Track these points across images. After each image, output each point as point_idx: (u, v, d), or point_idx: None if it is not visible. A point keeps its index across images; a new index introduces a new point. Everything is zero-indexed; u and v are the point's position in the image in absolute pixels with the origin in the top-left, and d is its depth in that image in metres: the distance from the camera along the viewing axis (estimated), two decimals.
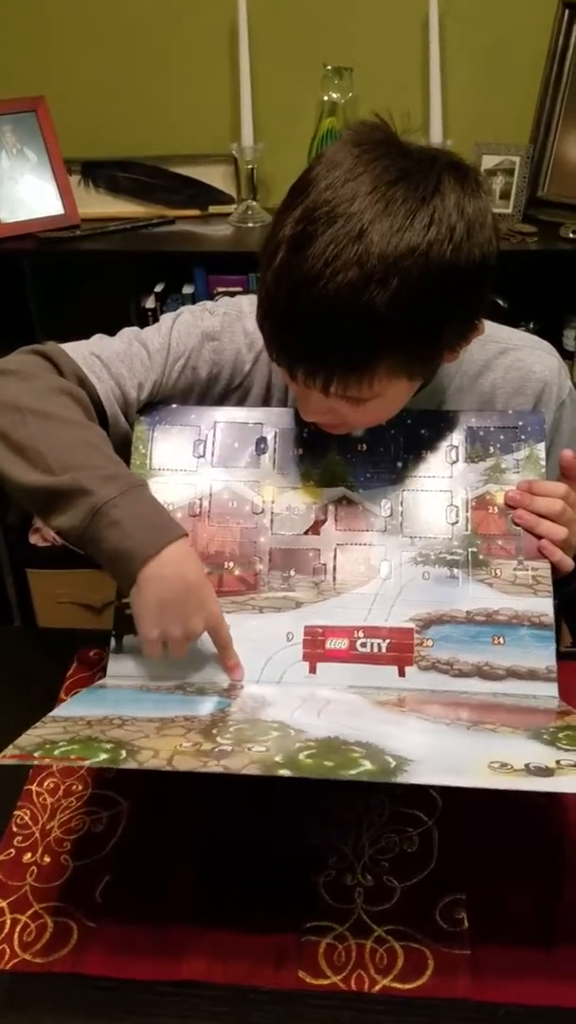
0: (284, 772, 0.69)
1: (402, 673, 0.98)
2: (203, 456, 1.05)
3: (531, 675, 0.97)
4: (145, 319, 2.22)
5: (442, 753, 0.77)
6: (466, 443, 1.04)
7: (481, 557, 1.01)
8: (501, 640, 0.98)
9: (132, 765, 0.70)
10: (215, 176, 2.31)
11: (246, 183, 2.26)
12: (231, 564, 1.01)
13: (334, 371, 0.88)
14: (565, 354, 2.31)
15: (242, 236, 2.21)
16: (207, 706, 0.89)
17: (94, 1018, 0.73)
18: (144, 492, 0.96)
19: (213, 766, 0.70)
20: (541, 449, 1.04)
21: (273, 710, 0.88)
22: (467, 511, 1.02)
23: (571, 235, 2.11)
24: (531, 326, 2.25)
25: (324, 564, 1.01)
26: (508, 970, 0.77)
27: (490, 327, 1.10)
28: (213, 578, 0.99)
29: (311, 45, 2.20)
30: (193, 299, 2.21)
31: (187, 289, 2.23)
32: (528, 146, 2.23)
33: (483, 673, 0.97)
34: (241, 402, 1.15)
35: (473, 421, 1.05)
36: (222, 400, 1.14)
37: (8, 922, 0.80)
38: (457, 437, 1.05)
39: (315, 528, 1.02)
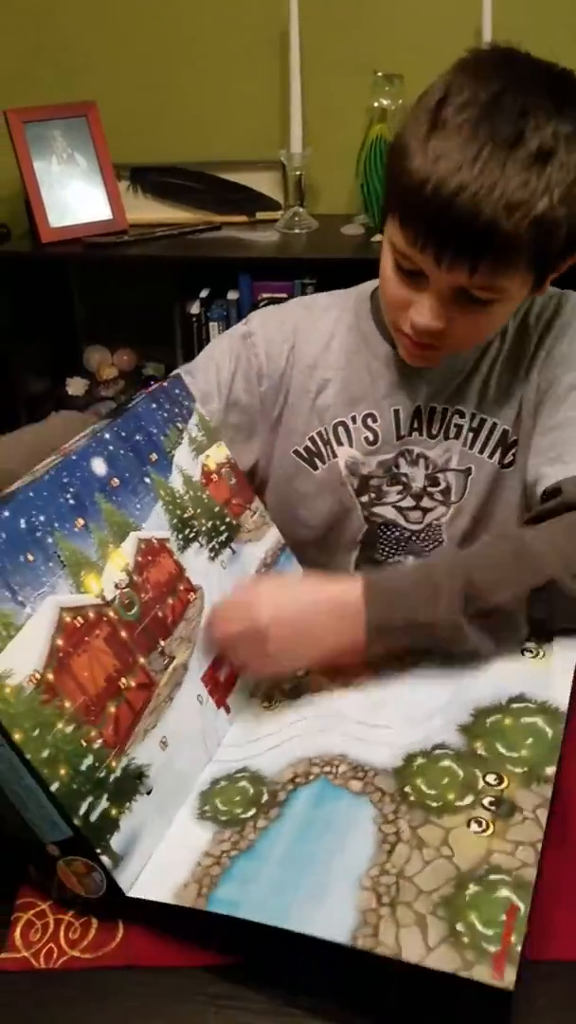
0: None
1: None
2: (14, 596, 0.79)
3: None
4: (189, 325, 2.23)
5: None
6: (159, 434, 1.00)
7: (235, 523, 1.05)
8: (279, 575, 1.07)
9: None
10: (262, 182, 2.31)
11: (294, 189, 2.26)
12: (126, 680, 0.84)
13: (485, 249, 0.90)
14: None
15: (289, 242, 2.21)
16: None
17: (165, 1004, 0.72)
18: None
19: None
20: (204, 406, 1.07)
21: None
22: (203, 491, 1.02)
23: None
24: None
25: (165, 614, 0.91)
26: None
27: None
28: (123, 711, 0.82)
29: (361, 51, 2.19)
30: (238, 305, 2.21)
31: (232, 295, 2.24)
32: None
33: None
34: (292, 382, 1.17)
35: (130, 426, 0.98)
36: (277, 396, 1.17)
37: (52, 922, 0.79)
38: (149, 432, 0.99)
39: (143, 587, 0.90)
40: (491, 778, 0.83)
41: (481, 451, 1.14)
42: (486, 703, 0.92)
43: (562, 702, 0.90)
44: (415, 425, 1.14)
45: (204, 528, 1.01)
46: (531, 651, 0.97)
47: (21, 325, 2.25)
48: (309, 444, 1.17)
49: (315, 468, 1.18)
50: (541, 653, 0.97)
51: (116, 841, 0.79)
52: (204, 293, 2.25)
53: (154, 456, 0.98)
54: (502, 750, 0.86)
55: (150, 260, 2.20)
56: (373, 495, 1.18)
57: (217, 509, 1.04)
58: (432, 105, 0.90)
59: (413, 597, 0.89)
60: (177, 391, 1.05)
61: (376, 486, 1.17)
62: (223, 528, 1.04)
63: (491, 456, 1.13)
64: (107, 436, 0.93)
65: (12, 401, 2.31)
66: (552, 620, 0.93)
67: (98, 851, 0.77)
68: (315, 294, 1.22)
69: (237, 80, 2.27)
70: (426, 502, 1.17)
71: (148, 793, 0.82)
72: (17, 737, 0.72)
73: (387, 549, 1.22)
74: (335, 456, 1.17)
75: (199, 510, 1.01)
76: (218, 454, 1.07)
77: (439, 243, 0.91)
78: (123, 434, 0.95)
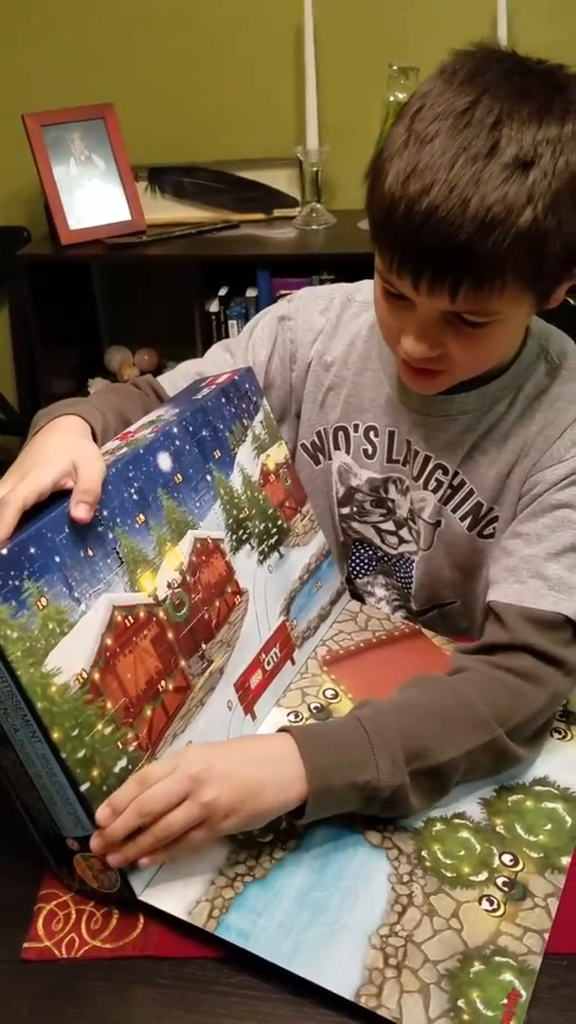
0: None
1: (293, 661, 1.02)
2: (71, 592, 0.77)
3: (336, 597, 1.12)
4: (209, 323, 2.24)
5: None
6: (224, 431, 0.98)
7: (286, 527, 1.03)
8: (320, 583, 1.08)
9: None
10: (280, 179, 2.31)
11: (311, 186, 2.26)
12: (165, 683, 0.83)
13: (465, 271, 0.82)
14: None
15: (306, 239, 2.21)
16: None
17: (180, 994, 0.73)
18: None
19: None
20: (266, 402, 1.05)
21: None
22: (260, 492, 1.01)
23: None
24: None
25: (211, 616, 0.91)
26: None
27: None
28: (158, 714, 0.81)
29: (377, 45, 2.19)
30: (257, 303, 2.21)
31: (251, 292, 2.24)
32: None
33: (322, 616, 1.08)
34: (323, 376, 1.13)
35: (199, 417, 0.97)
36: (307, 378, 1.13)
37: (73, 913, 0.80)
38: (215, 428, 0.97)
39: (194, 588, 0.89)
40: (507, 858, 0.84)
41: (454, 511, 1.06)
42: (509, 781, 0.92)
43: None
44: (406, 459, 1.08)
45: (257, 530, 1.00)
46: (560, 732, 0.97)
47: (44, 328, 2.27)
48: (315, 439, 1.15)
49: (317, 463, 1.15)
50: (570, 735, 0.97)
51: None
52: (223, 291, 2.26)
53: (218, 453, 0.96)
54: (520, 832, 0.86)
55: (169, 260, 2.21)
56: (355, 509, 1.15)
57: (271, 511, 1.03)
58: (407, 118, 0.85)
59: (352, 758, 0.82)
60: (247, 386, 1.03)
61: (360, 501, 1.14)
62: (274, 531, 1.03)
63: (463, 520, 1.06)
64: (175, 431, 0.91)
65: (36, 404, 2.33)
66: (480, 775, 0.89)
67: None
68: (363, 282, 1.13)
69: (252, 78, 2.27)
70: (405, 533, 1.13)
71: None
72: (56, 736, 0.72)
73: (359, 567, 1.19)
74: (331, 459, 1.14)
75: (254, 511, 1.00)
76: (278, 454, 1.06)
77: (414, 269, 0.85)
78: (191, 429, 0.93)
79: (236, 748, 0.83)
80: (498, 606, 0.96)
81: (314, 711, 0.97)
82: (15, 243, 2.32)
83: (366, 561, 1.18)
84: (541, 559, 0.95)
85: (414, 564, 1.13)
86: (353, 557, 1.19)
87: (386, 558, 1.16)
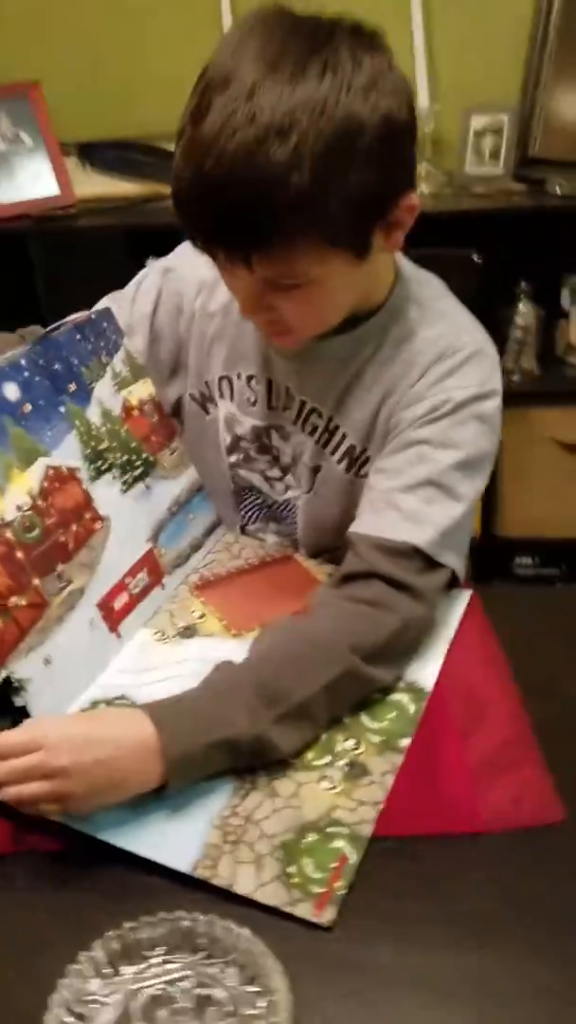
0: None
1: (163, 587, 1.07)
2: None
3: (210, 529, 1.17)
4: None
5: None
6: (80, 365, 1.01)
7: (151, 460, 1.08)
8: (192, 516, 1.13)
9: None
10: None
11: None
12: (17, 599, 0.87)
13: (250, 240, 0.84)
14: (560, 312, 2.32)
15: None
16: None
17: None
18: None
19: None
20: (131, 342, 1.10)
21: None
22: (122, 425, 1.05)
23: (558, 191, 2.11)
24: (525, 285, 2.26)
25: (67, 539, 0.95)
26: None
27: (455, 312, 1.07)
28: (9, 627, 0.86)
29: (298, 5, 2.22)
30: None
31: None
32: (517, 106, 2.23)
33: (194, 546, 1.13)
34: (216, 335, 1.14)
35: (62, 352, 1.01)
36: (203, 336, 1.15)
37: None
38: (69, 363, 1.01)
39: (47, 512, 0.93)
40: (350, 743, 0.88)
41: (332, 454, 1.09)
42: None
43: (428, 683, 0.95)
44: (285, 405, 1.11)
45: (118, 461, 1.03)
46: None
47: None
48: (203, 389, 1.17)
49: (207, 413, 1.18)
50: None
51: None
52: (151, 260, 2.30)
53: (72, 387, 0.99)
54: (365, 720, 0.91)
55: (99, 231, 2.25)
56: (241, 457, 1.17)
57: (134, 445, 1.06)
58: (196, 91, 0.85)
59: (205, 718, 0.83)
60: (105, 324, 1.06)
61: (245, 449, 1.17)
62: (138, 463, 1.06)
63: (339, 463, 1.09)
64: (23, 362, 0.94)
65: None
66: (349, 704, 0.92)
67: None
68: None
69: (176, 50, 2.30)
70: (290, 479, 1.16)
71: (24, 707, 0.86)
72: None
73: (250, 514, 1.22)
74: (217, 408, 1.16)
75: (115, 443, 1.03)
76: (142, 391, 1.09)
77: (207, 243, 0.89)
78: (40, 362, 0.96)
79: (93, 730, 0.82)
80: (354, 537, 1.00)
81: (180, 630, 1.02)
82: None
83: (256, 508, 1.21)
84: (397, 491, 0.99)
85: (297, 511, 1.16)
86: (244, 505, 1.22)
87: (275, 505, 1.19)
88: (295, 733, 0.86)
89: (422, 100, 2.20)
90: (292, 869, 0.76)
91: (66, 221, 2.22)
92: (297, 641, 0.91)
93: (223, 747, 0.82)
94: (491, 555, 2.38)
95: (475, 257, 1.88)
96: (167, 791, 0.81)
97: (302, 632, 0.92)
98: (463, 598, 1.08)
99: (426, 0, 2.16)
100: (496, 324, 2.08)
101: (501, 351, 2.11)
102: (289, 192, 0.80)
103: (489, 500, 2.35)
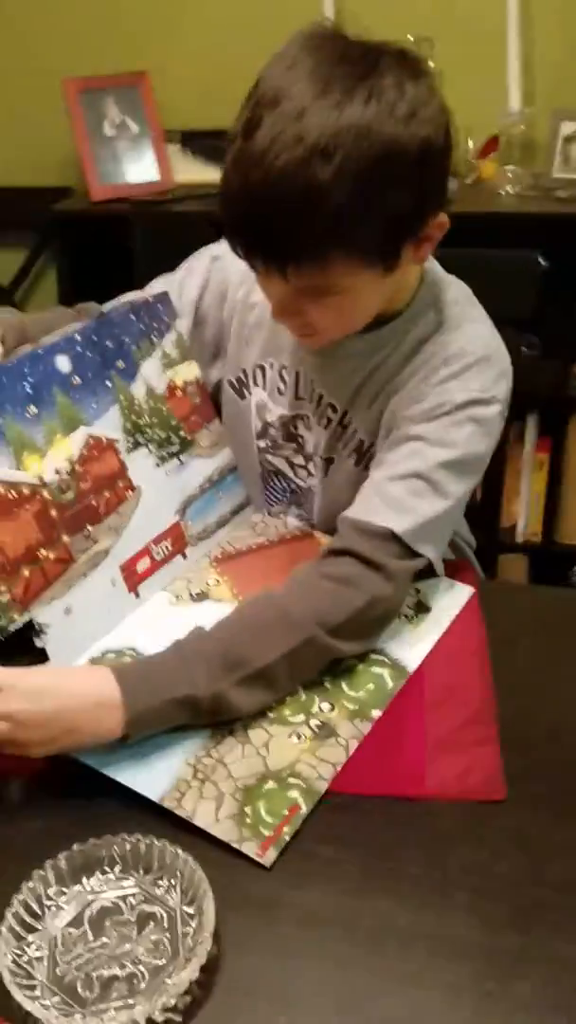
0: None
1: (185, 556, 1.15)
2: None
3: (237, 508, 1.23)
4: None
5: None
6: (131, 344, 1.10)
7: (188, 439, 1.15)
8: (222, 495, 1.20)
9: None
10: None
11: None
12: (45, 551, 0.97)
13: (288, 253, 0.90)
14: None
15: None
16: None
17: None
18: None
19: None
20: (180, 325, 1.16)
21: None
22: (165, 404, 1.12)
23: None
24: None
25: (99, 504, 1.03)
26: None
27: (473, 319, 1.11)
28: (36, 575, 0.96)
29: (394, 16, 2.27)
30: None
31: None
32: None
33: (221, 522, 1.20)
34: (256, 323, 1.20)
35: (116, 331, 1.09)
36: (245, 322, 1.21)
37: None
38: (121, 340, 1.09)
39: (83, 477, 1.02)
40: (325, 706, 0.97)
41: (343, 448, 1.16)
42: None
43: (412, 664, 1.03)
44: (309, 397, 1.17)
45: (157, 437, 1.12)
46: (408, 617, 1.09)
47: (83, 283, 2.44)
48: (240, 375, 1.24)
49: (242, 399, 1.25)
50: (415, 620, 1.09)
51: None
52: None
53: (121, 363, 1.09)
54: (344, 687, 0.99)
55: (193, 216, 2.35)
56: (270, 443, 1.25)
57: (174, 423, 1.15)
58: (250, 104, 0.90)
59: (168, 676, 0.89)
60: (160, 307, 1.15)
61: (273, 436, 1.24)
62: (176, 440, 1.15)
63: (349, 457, 1.16)
64: (77, 337, 1.04)
65: None
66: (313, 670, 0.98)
67: None
68: None
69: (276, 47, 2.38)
70: (312, 467, 1.22)
71: (41, 650, 0.97)
72: None
73: (274, 497, 1.29)
74: (251, 394, 1.24)
75: (155, 420, 1.12)
76: (187, 372, 1.18)
77: (248, 253, 0.94)
78: (94, 338, 1.06)
79: (53, 681, 0.89)
80: (341, 519, 1.07)
81: (194, 595, 1.12)
82: (53, 201, 2.49)
83: (280, 492, 1.29)
84: (386, 480, 1.05)
85: (315, 497, 1.24)
86: (269, 487, 1.29)
87: (298, 490, 1.26)
88: (254, 695, 0.93)
89: (513, 104, 2.23)
90: (248, 810, 0.86)
91: (163, 205, 2.33)
92: (268, 611, 0.97)
93: (184, 704, 0.89)
94: (551, 562, 2.42)
95: (540, 260, 1.90)
96: (128, 742, 0.88)
97: (273, 602, 0.98)
98: (465, 594, 1.14)
99: (524, 4, 2.18)
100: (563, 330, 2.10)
101: (568, 357, 2.14)
102: (329, 211, 0.87)
103: (551, 508, 2.38)
